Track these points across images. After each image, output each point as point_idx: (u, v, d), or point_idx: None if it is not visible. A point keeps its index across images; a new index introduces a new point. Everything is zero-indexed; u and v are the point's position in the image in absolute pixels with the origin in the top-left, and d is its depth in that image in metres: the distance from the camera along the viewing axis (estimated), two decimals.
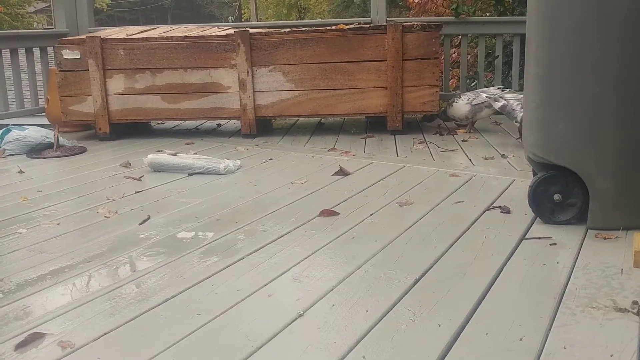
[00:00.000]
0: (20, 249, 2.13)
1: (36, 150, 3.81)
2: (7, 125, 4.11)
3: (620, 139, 2.02)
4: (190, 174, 3.14)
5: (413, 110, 4.10)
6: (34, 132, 3.90)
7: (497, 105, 3.80)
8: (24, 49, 4.84)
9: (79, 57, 4.16)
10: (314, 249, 2.01)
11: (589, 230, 2.07)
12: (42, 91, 5.08)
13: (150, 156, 3.27)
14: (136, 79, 4.15)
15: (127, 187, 2.96)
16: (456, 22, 4.73)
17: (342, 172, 3.03)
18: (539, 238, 2.03)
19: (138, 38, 4.20)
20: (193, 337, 1.46)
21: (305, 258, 1.93)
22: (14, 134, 3.86)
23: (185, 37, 4.13)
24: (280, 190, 2.78)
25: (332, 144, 3.87)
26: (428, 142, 3.80)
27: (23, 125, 4.08)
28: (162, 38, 4.15)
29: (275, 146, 3.89)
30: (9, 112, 4.75)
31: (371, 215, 2.36)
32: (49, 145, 3.84)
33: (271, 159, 3.46)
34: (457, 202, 2.48)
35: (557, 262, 1.83)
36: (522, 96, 3.12)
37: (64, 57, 4.17)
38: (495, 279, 1.72)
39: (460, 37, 5.14)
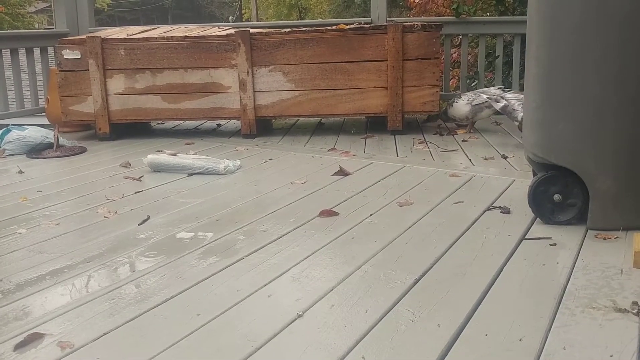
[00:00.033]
0: (19, 249, 2.13)
1: (36, 151, 3.81)
2: (7, 125, 4.11)
3: (620, 139, 2.02)
4: (190, 174, 3.14)
5: (413, 110, 4.09)
6: (34, 132, 3.90)
7: (498, 105, 3.80)
8: (24, 49, 4.84)
9: (79, 57, 4.16)
10: (313, 249, 2.01)
11: (588, 231, 2.07)
12: (42, 91, 5.08)
13: (150, 156, 3.27)
14: (136, 79, 4.15)
15: (127, 187, 2.96)
16: (457, 22, 4.73)
17: (342, 172, 3.03)
18: (539, 238, 2.03)
19: (138, 38, 4.20)
20: (192, 338, 1.46)
21: (305, 258, 1.93)
22: (14, 134, 3.86)
23: (185, 37, 4.13)
24: (280, 191, 2.78)
25: (332, 144, 3.87)
26: (428, 142, 3.80)
27: (23, 125, 4.08)
28: (163, 38, 4.15)
29: (275, 146, 3.88)
30: (9, 112, 4.75)
31: (371, 215, 2.35)
32: (49, 146, 3.84)
33: (271, 159, 3.46)
34: (457, 203, 2.47)
35: (557, 263, 1.83)
36: (522, 96, 3.12)
37: (64, 57, 4.17)
38: (495, 280, 1.72)
39: (460, 37, 5.13)
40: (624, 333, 1.40)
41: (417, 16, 8.93)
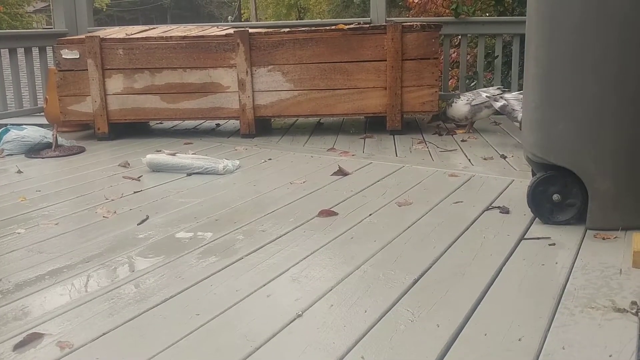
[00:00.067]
0: (18, 249, 2.12)
1: (35, 150, 3.81)
2: (6, 125, 4.11)
3: (620, 139, 2.02)
4: (189, 174, 3.14)
5: (412, 110, 4.10)
6: (33, 131, 3.89)
7: (497, 105, 3.80)
8: (22, 49, 4.83)
9: (78, 56, 4.16)
10: (312, 249, 2.01)
11: (588, 231, 2.07)
12: (41, 91, 5.07)
13: (149, 156, 3.27)
14: (135, 79, 4.15)
15: (126, 187, 2.96)
16: (456, 22, 4.73)
17: (341, 172, 3.03)
18: (538, 238, 2.03)
19: (137, 38, 4.19)
20: (192, 337, 1.46)
21: (304, 258, 1.93)
22: (13, 133, 3.86)
23: (184, 37, 4.13)
24: (279, 190, 2.78)
25: (331, 144, 3.87)
26: (427, 142, 3.80)
27: (22, 125, 4.08)
28: (162, 38, 4.15)
29: (274, 146, 3.88)
30: (7, 112, 4.74)
31: (370, 215, 2.35)
32: (48, 145, 3.84)
33: (270, 159, 3.46)
34: (456, 202, 2.48)
35: (556, 263, 1.83)
36: (522, 96, 3.11)
37: (63, 56, 4.17)
38: (494, 279, 1.72)
39: (459, 37, 5.14)
40: (623, 333, 1.40)
41: (416, 16, 8.93)
